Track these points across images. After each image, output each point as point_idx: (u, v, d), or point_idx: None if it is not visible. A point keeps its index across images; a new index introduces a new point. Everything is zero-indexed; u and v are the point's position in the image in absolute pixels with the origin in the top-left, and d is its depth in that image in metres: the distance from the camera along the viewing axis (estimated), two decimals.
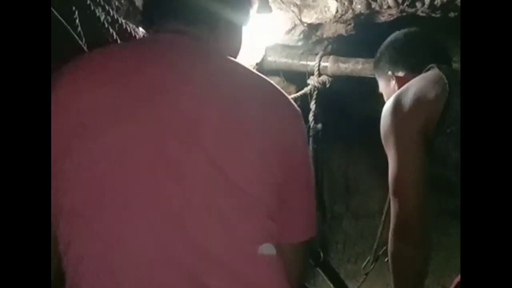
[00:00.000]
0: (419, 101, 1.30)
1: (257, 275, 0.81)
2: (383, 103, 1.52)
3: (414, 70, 1.51)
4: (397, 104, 1.33)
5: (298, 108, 0.94)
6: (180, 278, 0.77)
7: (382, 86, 1.65)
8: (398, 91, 1.40)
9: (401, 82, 1.50)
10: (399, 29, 1.67)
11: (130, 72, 0.85)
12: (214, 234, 0.79)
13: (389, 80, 1.59)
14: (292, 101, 0.94)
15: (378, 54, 1.67)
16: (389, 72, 1.59)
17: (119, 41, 1.51)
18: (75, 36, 1.32)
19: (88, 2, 1.39)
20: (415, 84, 1.37)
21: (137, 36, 1.61)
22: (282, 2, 2.20)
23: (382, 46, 1.66)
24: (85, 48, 1.34)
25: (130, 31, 1.58)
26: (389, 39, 1.65)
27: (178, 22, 0.94)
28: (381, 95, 1.65)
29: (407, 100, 1.32)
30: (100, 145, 0.80)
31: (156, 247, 0.78)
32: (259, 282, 0.81)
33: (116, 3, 1.60)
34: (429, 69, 1.44)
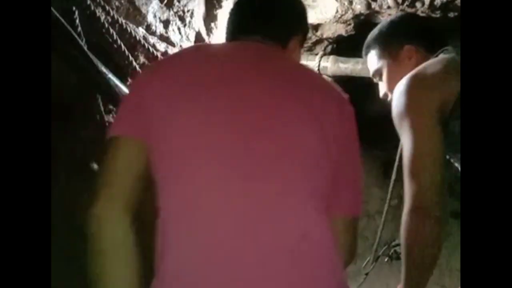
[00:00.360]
0: (439, 81, 1.24)
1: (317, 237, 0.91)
2: (383, 103, 1.51)
3: (431, 50, 1.41)
4: (416, 81, 1.26)
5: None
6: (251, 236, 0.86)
7: (386, 65, 1.49)
8: (416, 70, 1.30)
9: (420, 59, 1.39)
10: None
11: (226, 60, 1.04)
12: (283, 197, 0.90)
13: (399, 57, 1.45)
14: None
15: (388, 23, 1.50)
16: (407, 46, 1.44)
17: (119, 41, 1.51)
18: (75, 36, 1.32)
19: (88, 2, 1.39)
20: (433, 64, 1.30)
21: (137, 37, 1.62)
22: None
23: (396, 16, 1.53)
24: (85, 48, 1.34)
25: (130, 31, 1.58)
26: (400, 14, 1.54)
27: (258, 37, 1.11)
28: (377, 93, 1.59)
29: (427, 79, 1.26)
30: (201, 112, 0.93)
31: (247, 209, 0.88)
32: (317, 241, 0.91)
33: (116, 3, 1.60)
34: (442, 52, 1.38)
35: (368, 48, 1.54)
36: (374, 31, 1.54)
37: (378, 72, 1.53)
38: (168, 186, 0.92)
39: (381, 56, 1.50)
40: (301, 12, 1.24)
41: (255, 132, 0.93)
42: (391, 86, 1.43)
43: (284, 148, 0.93)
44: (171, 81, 0.97)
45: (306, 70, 1.14)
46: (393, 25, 1.50)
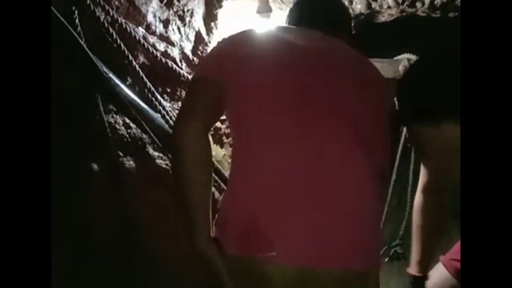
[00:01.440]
0: None
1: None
2: None
3: None
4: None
5: None
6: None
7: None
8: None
9: None
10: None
11: (294, 40, 1.23)
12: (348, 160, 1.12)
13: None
14: None
15: None
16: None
17: (119, 41, 1.51)
18: (75, 36, 1.32)
19: (88, 2, 1.39)
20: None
21: (137, 36, 1.61)
22: (282, 2, 2.21)
23: None
24: (85, 48, 1.34)
25: (130, 31, 1.58)
26: None
27: (315, 27, 1.30)
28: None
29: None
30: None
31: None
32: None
33: (116, 3, 1.60)
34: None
35: None
36: None
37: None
38: (248, 124, 1.14)
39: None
40: (349, 16, 1.52)
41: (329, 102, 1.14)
42: None
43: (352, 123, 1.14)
44: (266, 56, 1.18)
45: (364, 57, 1.31)
46: None
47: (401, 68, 2.62)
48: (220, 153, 2.39)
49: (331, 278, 1.06)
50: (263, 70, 1.15)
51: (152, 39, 1.79)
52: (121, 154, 1.65)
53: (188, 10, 2.01)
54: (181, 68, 1.95)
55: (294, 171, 1.08)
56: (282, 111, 1.12)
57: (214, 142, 2.36)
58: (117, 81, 1.51)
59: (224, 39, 1.32)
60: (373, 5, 2.10)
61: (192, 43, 2.11)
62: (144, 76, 1.65)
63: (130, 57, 1.58)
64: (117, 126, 1.65)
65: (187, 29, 2.04)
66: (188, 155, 1.07)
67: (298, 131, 1.10)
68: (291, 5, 1.47)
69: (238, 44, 1.22)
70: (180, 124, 1.11)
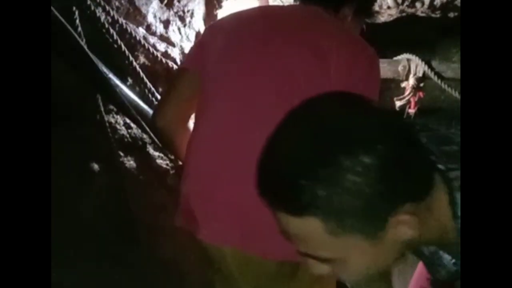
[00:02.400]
0: None
1: None
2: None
3: None
4: None
5: None
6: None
7: None
8: None
9: None
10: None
11: (265, 23, 1.27)
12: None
13: None
14: None
15: None
16: None
17: (119, 41, 1.51)
18: (75, 36, 1.32)
19: (88, 2, 1.39)
20: None
21: (137, 37, 1.62)
22: (282, 2, 2.21)
23: None
24: (85, 48, 1.34)
25: (130, 31, 1.58)
26: None
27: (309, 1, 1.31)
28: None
29: None
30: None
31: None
32: None
33: (116, 3, 1.60)
34: None
35: None
36: None
37: None
38: (203, 108, 1.26)
39: None
40: None
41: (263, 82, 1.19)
42: None
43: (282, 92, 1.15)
44: (226, 40, 1.26)
45: (328, 25, 1.27)
46: None
47: (400, 68, 2.62)
48: None
49: (262, 263, 1.14)
50: (224, 57, 1.24)
51: (152, 39, 1.79)
52: (121, 154, 1.65)
53: (188, 11, 2.01)
54: None
55: (221, 148, 1.17)
56: (226, 94, 1.21)
57: None
58: (117, 81, 1.51)
59: (205, 28, 1.45)
60: None
61: (192, 44, 2.11)
62: (144, 77, 1.66)
63: (131, 57, 1.58)
64: (117, 126, 1.65)
65: (187, 30, 2.05)
66: (163, 138, 1.42)
67: (230, 110, 1.19)
68: (277, 6, 1.48)
69: (213, 34, 1.32)
70: (157, 114, 1.33)
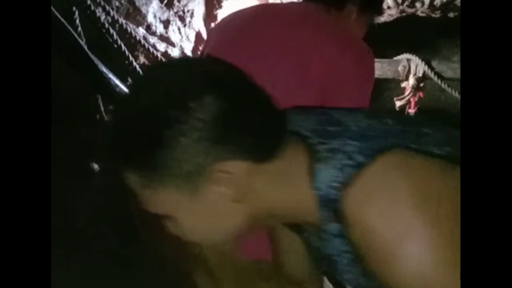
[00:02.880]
0: None
1: None
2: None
3: None
4: None
5: None
6: None
7: None
8: None
9: None
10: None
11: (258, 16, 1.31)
12: None
13: None
14: None
15: None
16: None
17: (119, 41, 1.51)
18: (75, 36, 1.32)
19: (88, 2, 1.39)
20: None
21: (137, 37, 1.62)
22: (281, 0, 2.20)
23: None
24: (85, 48, 1.34)
25: (130, 31, 1.58)
26: None
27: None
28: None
29: None
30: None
31: None
32: None
33: (116, 3, 1.60)
34: None
35: None
36: None
37: None
38: None
39: None
40: None
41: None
42: None
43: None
44: (224, 39, 1.27)
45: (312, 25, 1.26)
46: None
47: (400, 68, 2.62)
48: None
49: (238, 260, 1.17)
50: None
51: (152, 39, 1.79)
52: None
53: (188, 11, 2.02)
54: None
55: None
56: None
57: None
58: (117, 81, 1.51)
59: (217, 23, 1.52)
60: None
61: (193, 44, 2.11)
62: None
63: (131, 57, 1.58)
64: None
65: (187, 30, 2.05)
66: None
67: None
68: (277, 3, 1.49)
69: (218, 29, 1.38)
70: None
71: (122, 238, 1.56)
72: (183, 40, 2.02)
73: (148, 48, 1.68)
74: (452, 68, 2.62)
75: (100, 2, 1.46)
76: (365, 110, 0.81)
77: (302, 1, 1.38)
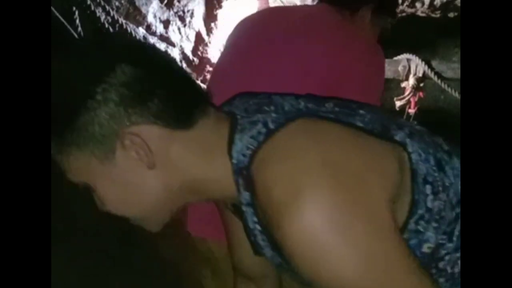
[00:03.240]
0: None
1: None
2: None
3: None
4: None
5: None
6: None
7: None
8: None
9: None
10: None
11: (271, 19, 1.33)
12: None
13: None
14: None
15: None
16: None
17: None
18: (75, 36, 1.32)
19: (88, 2, 1.39)
20: None
21: (137, 37, 1.62)
22: (282, 2, 2.21)
23: None
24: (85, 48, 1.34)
25: (130, 31, 1.58)
26: None
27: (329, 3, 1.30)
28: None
29: None
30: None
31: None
32: None
33: (116, 3, 1.60)
34: None
35: None
36: None
37: None
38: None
39: None
40: None
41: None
42: None
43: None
44: (239, 38, 1.32)
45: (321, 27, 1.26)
46: None
47: (400, 68, 2.62)
48: None
49: None
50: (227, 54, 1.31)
51: (152, 39, 1.80)
52: None
53: (188, 11, 2.01)
54: None
55: None
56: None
57: None
58: None
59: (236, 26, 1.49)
60: None
61: (192, 44, 2.11)
62: None
63: None
64: None
65: (187, 30, 2.05)
66: None
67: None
68: (290, 6, 1.49)
69: (232, 33, 1.40)
70: None
71: (122, 238, 1.56)
72: (183, 40, 2.02)
73: None
74: (452, 68, 2.61)
75: (100, 2, 1.46)
76: (319, 97, 0.79)
77: (316, 4, 1.38)
